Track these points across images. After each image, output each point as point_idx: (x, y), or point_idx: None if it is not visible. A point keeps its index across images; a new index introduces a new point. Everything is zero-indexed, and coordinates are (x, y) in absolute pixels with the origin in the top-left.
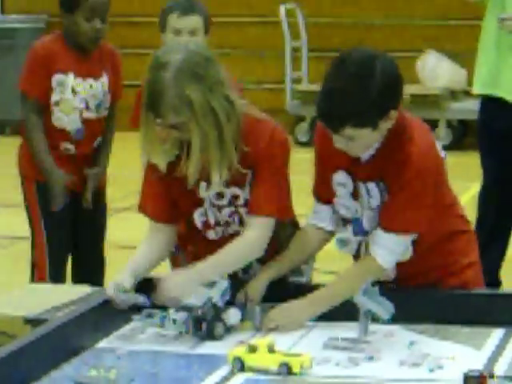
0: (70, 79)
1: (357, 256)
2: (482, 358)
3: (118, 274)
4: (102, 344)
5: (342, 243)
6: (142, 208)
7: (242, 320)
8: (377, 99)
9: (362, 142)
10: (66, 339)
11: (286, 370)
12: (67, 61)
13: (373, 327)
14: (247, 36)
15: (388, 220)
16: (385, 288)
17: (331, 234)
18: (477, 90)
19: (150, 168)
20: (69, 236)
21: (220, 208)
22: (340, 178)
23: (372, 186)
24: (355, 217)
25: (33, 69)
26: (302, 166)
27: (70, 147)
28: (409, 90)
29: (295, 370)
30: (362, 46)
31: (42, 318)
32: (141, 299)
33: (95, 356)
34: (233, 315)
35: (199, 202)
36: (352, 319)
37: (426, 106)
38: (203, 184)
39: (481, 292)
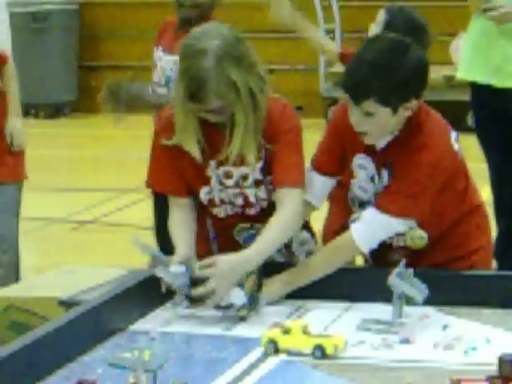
0: None
1: None
2: None
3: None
4: (136, 326)
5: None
6: (159, 185)
7: (247, 306)
8: (405, 79)
9: (379, 122)
10: (100, 322)
11: (320, 352)
12: None
13: (407, 310)
14: None
15: (381, 198)
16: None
17: (314, 209)
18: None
19: (159, 147)
20: None
21: (226, 188)
22: (362, 161)
23: (385, 173)
24: (372, 200)
25: None
26: None
27: None
28: (442, 71)
29: (329, 352)
30: None
31: (75, 300)
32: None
33: (129, 338)
34: (235, 295)
35: (206, 181)
36: (386, 301)
37: (459, 87)
38: (212, 162)
39: None
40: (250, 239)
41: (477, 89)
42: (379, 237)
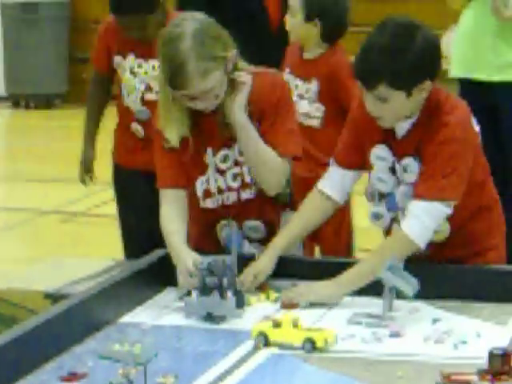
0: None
1: (388, 231)
2: (506, 334)
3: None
4: (126, 319)
5: (376, 217)
6: (161, 181)
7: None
8: (415, 62)
9: (394, 106)
10: (90, 314)
11: (311, 345)
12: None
13: (397, 303)
14: None
15: (419, 187)
16: (410, 264)
17: (336, 204)
18: None
19: (160, 146)
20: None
21: (224, 172)
22: (379, 151)
23: (409, 160)
24: (390, 191)
25: None
26: None
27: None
28: None
29: (319, 345)
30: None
31: (61, 292)
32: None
33: (119, 331)
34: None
35: (203, 169)
36: (376, 295)
37: (451, 81)
38: (209, 150)
39: (506, 269)
40: (231, 239)
41: (466, 83)
42: (431, 226)
